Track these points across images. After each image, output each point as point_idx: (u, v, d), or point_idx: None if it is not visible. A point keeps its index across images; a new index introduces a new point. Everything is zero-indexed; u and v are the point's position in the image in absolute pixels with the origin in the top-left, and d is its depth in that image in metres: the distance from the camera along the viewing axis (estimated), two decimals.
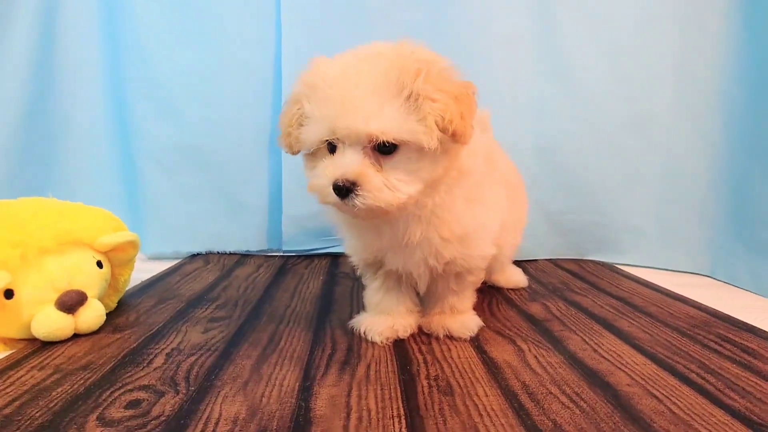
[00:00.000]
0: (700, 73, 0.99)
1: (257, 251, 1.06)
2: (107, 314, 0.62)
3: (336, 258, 1.04)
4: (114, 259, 0.64)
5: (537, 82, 1.02)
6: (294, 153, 0.55)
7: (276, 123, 0.98)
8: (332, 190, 0.47)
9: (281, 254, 1.05)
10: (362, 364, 0.53)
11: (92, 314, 0.57)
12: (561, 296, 0.80)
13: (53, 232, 0.56)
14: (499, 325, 0.66)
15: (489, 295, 0.80)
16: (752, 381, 0.50)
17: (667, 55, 1.00)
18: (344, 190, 0.46)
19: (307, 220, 1.03)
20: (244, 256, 1.03)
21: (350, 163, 0.46)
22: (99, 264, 0.61)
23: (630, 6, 0.99)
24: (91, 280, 0.58)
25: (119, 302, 0.69)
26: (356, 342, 0.59)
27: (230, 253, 1.05)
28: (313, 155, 0.52)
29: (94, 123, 0.99)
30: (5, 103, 0.93)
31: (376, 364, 0.53)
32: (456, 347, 0.58)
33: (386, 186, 0.46)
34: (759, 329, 0.66)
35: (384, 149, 0.47)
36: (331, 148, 0.49)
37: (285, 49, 0.95)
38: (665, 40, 1.00)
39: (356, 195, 0.46)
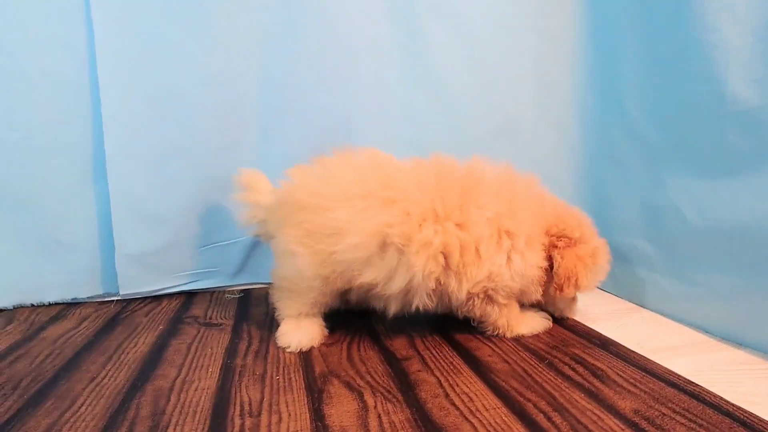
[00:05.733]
0: (557, 80, 1.01)
1: (88, 298, 0.87)
2: None
3: (191, 297, 0.90)
4: None
5: (405, 90, 0.97)
6: None
7: (99, 142, 0.82)
8: None
9: (118, 298, 0.87)
10: None
11: None
12: (429, 323, 0.74)
13: None
14: (351, 373, 0.58)
15: (353, 330, 0.71)
16: (595, 415, 0.47)
17: (528, 63, 1.01)
18: None
19: (149, 257, 0.87)
20: (68, 307, 0.84)
21: None
22: None
23: (488, 11, 0.97)
24: None
25: None
26: (164, 423, 0.47)
27: (50, 305, 0.85)
28: None
29: None
30: None
31: None
32: (289, 413, 0.49)
33: None
34: (611, 342, 0.66)
35: None
36: None
37: (100, 53, 0.79)
38: (524, 48, 1.00)
39: None
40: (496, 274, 0.61)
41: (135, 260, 0.86)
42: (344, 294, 0.69)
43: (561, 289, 0.65)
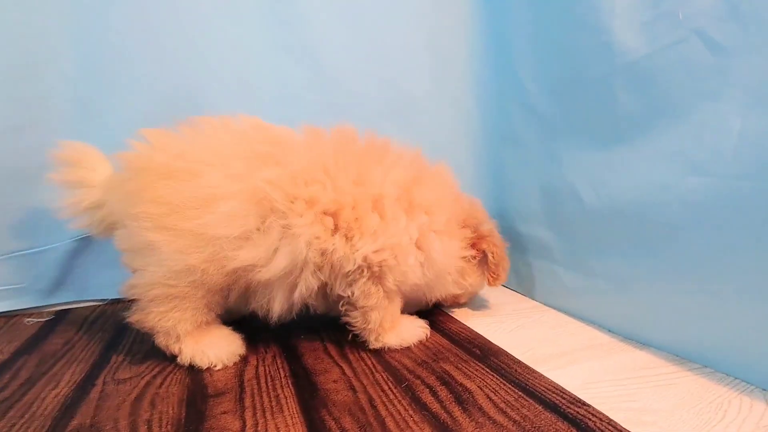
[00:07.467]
0: (454, 53, 0.89)
1: None
2: None
3: (9, 320, 0.67)
4: None
5: (275, 60, 0.80)
6: None
7: None
8: None
9: None
10: None
11: None
12: (284, 342, 0.58)
13: None
14: (123, 424, 0.40)
15: (170, 359, 0.53)
16: None
17: (422, 33, 0.88)
18: None
19: None
20: None
21: None
22: None
23: None
24: None
25: None
26: None
27: None
28: None
29: None
30: None
31: None
32: None
33: None
34: (496, 351, 0.53)
35: None
36: None
37: None
38: (418, 17, 0.87)
39: None
40: (401, 252, 0.50)
41: None
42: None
43: (498, 277, 0.64)
